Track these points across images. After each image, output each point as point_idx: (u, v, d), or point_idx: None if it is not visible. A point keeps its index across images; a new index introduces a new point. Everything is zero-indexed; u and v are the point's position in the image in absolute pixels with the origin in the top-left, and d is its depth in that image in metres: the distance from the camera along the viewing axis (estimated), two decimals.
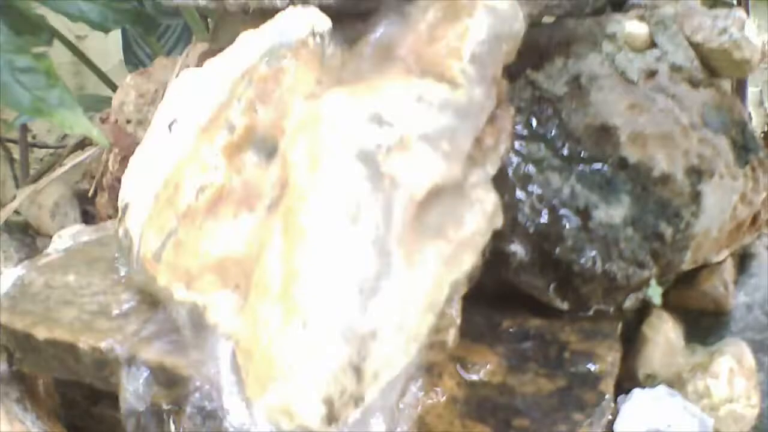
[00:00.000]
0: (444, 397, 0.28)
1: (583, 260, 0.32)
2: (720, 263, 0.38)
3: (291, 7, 0.34)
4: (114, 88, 0.61)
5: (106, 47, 0.56)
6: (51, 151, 0.75)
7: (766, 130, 0.73)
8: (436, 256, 0.24)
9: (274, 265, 0.23)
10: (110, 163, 0.42)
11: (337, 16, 0.35)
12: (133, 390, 0.26)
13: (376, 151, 0.24)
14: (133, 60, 0.68)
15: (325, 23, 0.34)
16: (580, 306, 0.33)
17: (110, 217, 0.43)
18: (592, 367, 0.31)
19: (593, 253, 0.32)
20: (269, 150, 0.26)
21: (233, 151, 0.26)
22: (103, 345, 0.28)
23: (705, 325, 0.38)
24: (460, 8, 0.31)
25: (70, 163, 0.47)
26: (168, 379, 0.26)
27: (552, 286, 0.33)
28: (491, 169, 0.30)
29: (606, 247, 0.33)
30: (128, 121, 0.43)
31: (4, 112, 0.76)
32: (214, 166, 0.26)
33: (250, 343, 0.22)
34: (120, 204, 0.32)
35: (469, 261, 0.25)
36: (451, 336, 0.28)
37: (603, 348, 0.31)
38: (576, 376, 0.30)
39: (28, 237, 0.50)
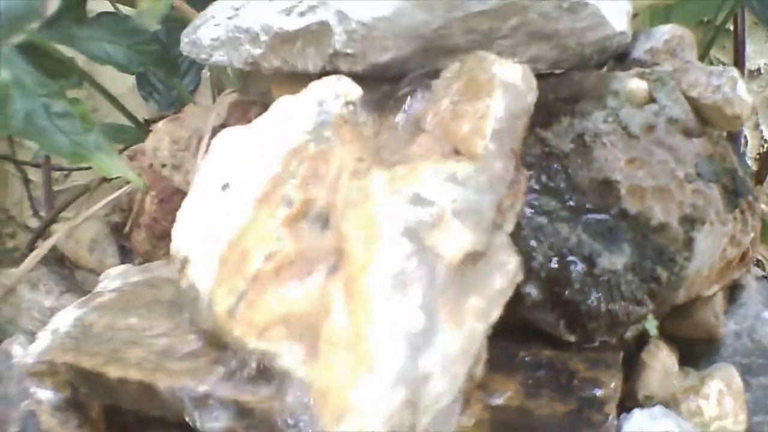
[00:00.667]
0: (473, 421, 0.37)
1: (589, 301, 0.42)
2: (711, 296, 0.48)
3: (324, 77, 0.43)
4: (127, 113, 0.69)
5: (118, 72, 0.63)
6: (65, 172, 0.82)
7: (761, 152, 0.83)
8: (471, 312, 0.33)
9: (342, 323, 0.32)
10: (147, 205, 0.50)
11: (364, 80, 0.44)
12: (209, 426, 0.35)
13: (419, 228, 0.33)
14: (146, 86, 0.75)
15: (356, 91, 0.42)
16: (587, 339, 0.43)
17: (147, 253, 0.52)
18: (597, 392, 0.40)
19: (598, 295, 0.42)
20: (323, 221, 0.35)
21: (292, 222, 0.35)
22: (177, 384, 0.37)
23: (697, 351, 0.49)
24: (480, 86, 0.40)
25: (104, 200, 0.54)
26: (241, 414, 0.35)
27: (562, 322, 0.43)
28: (509, 227, 0.40)
29: (609, 290, 0.43)
30: (163, 165, 0.51)
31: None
32: (277, 236, 0.35)
33: (326, 385, 0.31)
34: (175, 255, 0.41)
35: (496, 314, 0.35)
36: (480, 369, 0.38)
37: (607, 376, 0.41)
38: (584, 400, 0.40)
39: (65, 269, 0.58)
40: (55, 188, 0.84)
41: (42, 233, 0.68)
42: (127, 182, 0.57)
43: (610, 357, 0.43)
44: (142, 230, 0.53)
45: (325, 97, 0.41)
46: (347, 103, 0.41)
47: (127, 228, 0.55)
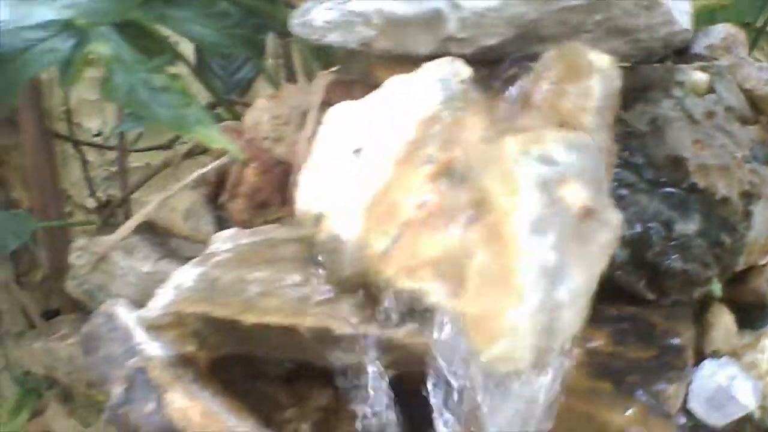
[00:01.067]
0: (574, 362, 0.44)
1: (667, 262, 0.51)
2: (764, 265, 0.57)
3: (434, 59, 0.50)
4: (212, 92, 0.75)
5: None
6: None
7: None
8: (589, 257, 0.40)
9: (488, 261, 0.39)
10: (248, 176, 0.56)
11: (468, 62, 0.51)
12: (357, 361, 0.41)
13: (548, 183, 0.41)
14: (207, 72, 0.81)
15: (468, 71, 0.50)
16: (663, 296, 0.52)
17: (244, 221, 0.58)
18: (676, 341, 0.49)
19: (675, 256, 0.51)
20: (460, 179, 0.42)
21: (434, 178, 0.43)
22: (322, 325, 0.43)
23: (752, 316, 0.58)
24: (580, 71, 0.49)
25: (197, 171, 0.60)
26: (388, 350, 0.41)
27: (643, 282, 0.51)
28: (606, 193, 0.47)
29: (683, 252, 0.51)
30: (264, 139, 0.57)
31: (78, 116, 0.88)
32: (423, 190, 0.42)
33: (477, 314, 0.38)
34: (305, 214, 0.48)
35: (605, 262, 0.43)
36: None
37: (683, 328, 0.50)
38: (665, 348, 0.49)
39: (158, 237, 0.63)
40: (112, 169, 0.89)
41: (119, 206, 0.73)
42: (216, 157, 0.63)
43: (684, 313, 0.52)
44: (239, 200, 0.59)
45: (445, 75, 0.48)
46: (461, 82, 0.48)
47: (222, 198, 0.61)
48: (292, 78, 0.78)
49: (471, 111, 0.46)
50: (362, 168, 0.47)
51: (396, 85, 0.53)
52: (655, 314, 0.51)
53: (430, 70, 0.52)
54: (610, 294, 0.51)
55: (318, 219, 0.48)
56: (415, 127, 0.46)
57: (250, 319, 0.47)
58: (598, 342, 0.49)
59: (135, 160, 0.94)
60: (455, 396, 0.41)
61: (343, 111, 0.54)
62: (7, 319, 0.96)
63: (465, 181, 0.43)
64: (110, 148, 0.91)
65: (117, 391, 0.58)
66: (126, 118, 0.79)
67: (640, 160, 0.54)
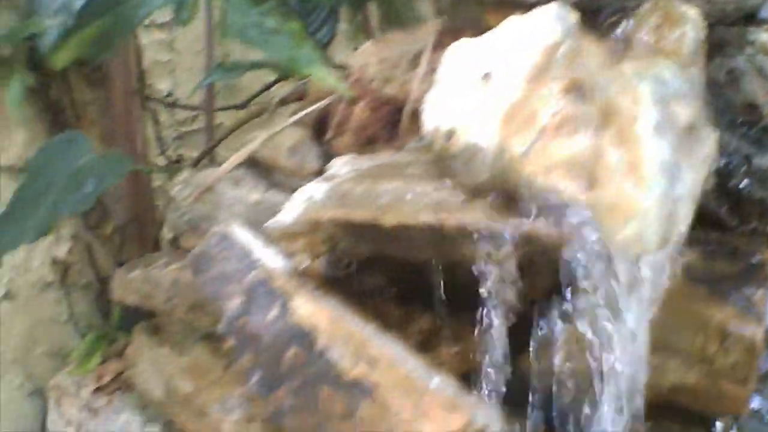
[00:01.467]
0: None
1: (747, 191, 0.58)
2: None
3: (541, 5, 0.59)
4: None
5: None
6: (193, 114, 0.95)
7: None
8: (695, 165, 0.49)
9: (616, 159, 0.47)
10: (357, 113, 0.63)
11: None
12: (493, 254, 0.48)
13: (663, 99, 0.49)
14: None
15: (576, 16, 0.58)
16: (744, 223, 0.60)
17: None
18: (757, 259, 0.57)
19: (754, 185, 0.58)
20: (585, 95, 0.50)
21: (564, 93, 0.50)
22: (461, 222, 0.50)
23: None
24: (675, 19, 0.58)
25: (300, 112, 0.67)
26: (523, 242, 0.48)
27: (725, 209, 0.59)
28: None
29: (761, 182, 0.59)
30: (371, 80, 0.64)
31: (150, 78, 0.95)
32: (555, 102, 0.49)
33: (610, 202, 0.46)
34: (436, 132, 0.55)
35: (706, 172, 0.50)
36: None
37: (762, 248, 0.58)
38: (748, 265, 0.57)
39: (263, 171, 0.69)
40: (183, 129, 0.95)
41: (208, 154, 0.79)
42: (317, 100, 0.71)
43: (761, 238, 0.61)
44: (347, 135, 0.66)
45: (559, 15, 0.56)
46: (574, 22, 0.57)
47: (328, 135, 0.68)
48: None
49: (587, 42, 0.55)
50: (493, 89, 0.54)
51: (514, 23, 0.60)
52: (737, 239, 0.60)
53: (544, 9, 0.60)
54: (697, 220, 0.58)
55: (450, 134, 0.55)
56: (540, 53, 0.53)
57: (390, 220, 0.54)
58: (691, 257, 0.58)
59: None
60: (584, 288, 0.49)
61: (463, 47, 0.62)
62: (74, 271, 1.01)
63: (590, 97, 0.51)
64: (194, 108, 0.99)
65: (234, 303, 0.65)
66: (214, 70, 0.86)
67: (720, 104, 0.64)
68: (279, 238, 0.60)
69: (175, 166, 0.98)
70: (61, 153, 0.81)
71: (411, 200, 0.56)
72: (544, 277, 0.53)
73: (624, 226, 0.46)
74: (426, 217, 0.53)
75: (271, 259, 0.64)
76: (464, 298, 0.62)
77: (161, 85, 1.01)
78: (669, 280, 0.50)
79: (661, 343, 0.52)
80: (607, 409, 0.50)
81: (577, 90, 0.51)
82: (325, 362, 0.57)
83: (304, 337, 0.59)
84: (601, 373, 0.49)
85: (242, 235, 0.67)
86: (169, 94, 1.02)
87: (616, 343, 0.48)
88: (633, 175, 0.47)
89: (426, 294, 0.65)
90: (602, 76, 0.52)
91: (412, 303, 0.67)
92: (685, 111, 0.51)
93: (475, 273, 0.52)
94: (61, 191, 0.77)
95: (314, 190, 0.61)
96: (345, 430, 0.57)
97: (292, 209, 0.61)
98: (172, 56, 1.04)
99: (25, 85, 0.89)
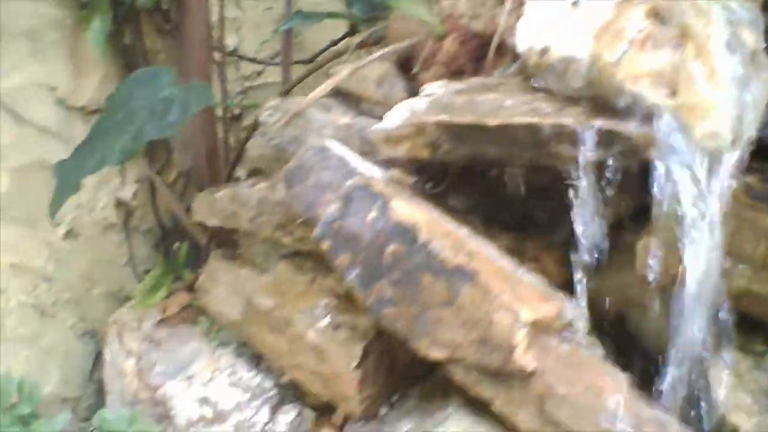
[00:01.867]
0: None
1: None
2: None
3: None
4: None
5: None
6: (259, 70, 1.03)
7: None
8: (760, 82, 0.59)
9: (696, 70, 0.56)
10: (446, 46, 0.72)
11: None
12: (584, 150, 0.58)
13: (732, 22, 0.59)
14: None
15: None
16: None
17: None
18: None
19: None
20: (663, 19, 0.60)
21: (647, 16, 0.60)
22: (558, 121, 0.59)
23: None
24: None
25: (383, 50, 0.76)
26: (613, 140, 0.58)
27: None
28: None
29: None
30: (460, 17, 0.74)
31: (217, 33, 1.02)
32: (642, 21, 0.59)
33: (691, 103, 0.55)
34: (530, 51, 0.65)
35: (767, 93, 0.60)
36: None
37: None
38: None
39: (351, 101, 0.77)
40: (248, 84, 1.03)
41: (299, 83, 0.87)
42: (398, 41, 0.79)
43: None
44: (435, 68, 0.75)
45: None
46: None
47: (415, 69, 0.77)
48: None
49: None
50: (582, 13, 0.64)
51: None
52: None
53: None
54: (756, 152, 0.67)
55: (544, 51, 0.65)
56: None
57: (493, 121, 0.63)
58: (752, 180, 0.67)
59: (271, 76, 1.10)
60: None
61: None
62: (137, 215, 1.07)
63: (669, 20, 0.61)
64: (271, 63, 1.06)
65: (331, 209, 0.73)
66: (293, 16, 0.94)
67: None
68: (382, 142, 0.68)
69: (254, 102, 1.04)
70: (144, 85, 0.88)
71: (510, 106, 0.65)
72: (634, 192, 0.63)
73: (703, 123, 0.56)
74: (526, 118, 0.63)
75: (368, 169, 0.73)
76: (543, 222, 0.72)
77: (228, 40, 1.10)
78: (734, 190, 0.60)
79: (729, 248, 0.61)
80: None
81: (656, 15, 0.61)
82: (427, 253, 0.65)
83: (405, 233, 0.67)
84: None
85: (338, 148, 0.75)
86: (235, 50, 1.11)
87: (701, 230, 0.57)
88: (709, 82, 0.56)
89: (507, 217, 0.74)
90: (678, 4, 0.63)
91: (494, 224, 0.75)
92: (751, 36, 0.61)
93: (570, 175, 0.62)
94: (147, 118, 0.85)
95: (415, 103, 0.70)
96: (445, 317, 0.65)
97: (396, 117, 0.69)
98: (238, 14, 1.13)
99: (107, 26, 0.97)
